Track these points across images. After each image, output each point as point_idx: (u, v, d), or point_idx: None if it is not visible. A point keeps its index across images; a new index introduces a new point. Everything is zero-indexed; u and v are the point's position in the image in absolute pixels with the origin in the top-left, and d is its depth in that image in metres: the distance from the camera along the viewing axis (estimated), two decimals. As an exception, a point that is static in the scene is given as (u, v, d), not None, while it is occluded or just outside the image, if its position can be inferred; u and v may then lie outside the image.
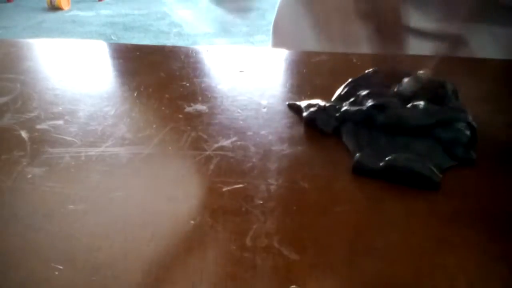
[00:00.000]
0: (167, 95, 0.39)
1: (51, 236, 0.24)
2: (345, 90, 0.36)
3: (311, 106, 0.35)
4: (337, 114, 0.34)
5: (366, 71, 0.38)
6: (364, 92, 0.35)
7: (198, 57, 0.48)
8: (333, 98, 0.37)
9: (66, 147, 0.32)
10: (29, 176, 0.29)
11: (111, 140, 0.33)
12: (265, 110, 0.37)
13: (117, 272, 0.22)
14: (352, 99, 0.35)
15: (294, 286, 0.21)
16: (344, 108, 0.34)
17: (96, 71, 0.45)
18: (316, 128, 0.34)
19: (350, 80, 0.37)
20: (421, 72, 0.35)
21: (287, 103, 0.37)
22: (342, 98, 0.36)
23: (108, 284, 0.21)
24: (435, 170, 0.28)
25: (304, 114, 0.35)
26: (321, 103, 0.35)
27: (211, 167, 0.30)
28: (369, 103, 0.33)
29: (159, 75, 0.43)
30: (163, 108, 0.37)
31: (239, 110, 0.37)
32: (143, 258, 0.23)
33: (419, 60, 0.35)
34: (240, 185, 0.28)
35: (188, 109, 0.37)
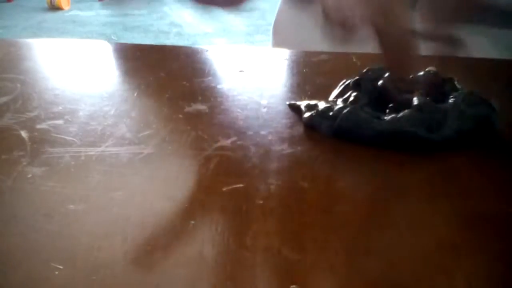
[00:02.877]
0: (167, 95, 0.39)
1: (51, 236, 0.24)
2: (342, 90, 0.37)
3: (310, 107, 0.35)
4: (331, 113, 0.33)
5: (364, 70, 0.38)
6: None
7: (198, 57, 0.48)
8: (330, 98, 0.37)
9: (66, 147, 0.32)
10: (29, 176, 0.29)
11: (111, 140, 0.33)
12: (265, 110, 0.37)
13: (117, 272, 0.22)
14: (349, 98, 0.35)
15: (294, 286, 0.21)
16: (339, 106, 0.33)
17: (96, 71, 0.45)
18: (316, 130, 0.34)
19: (345, 79, 0.37)
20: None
21: (287, 103, 0.37)
22: (339, 98, 0.36)
23: (108, 284, 0.21)
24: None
25: (303, 117, 0.34)
26: (321, 104, 0.35)
27: (211, 166, 0.30)
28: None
29: (159, 75, 0.43)
30: (163, 108, 0.37)
31: (239, 110, 0.37)
32: (143, 258, 0.23)
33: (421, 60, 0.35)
34: (240, 185, 0.28)
35: (188, 109, 0.37)
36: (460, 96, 0.33)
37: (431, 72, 0.36)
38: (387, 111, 0.33)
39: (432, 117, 0.32)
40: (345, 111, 0.32)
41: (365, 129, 0.31)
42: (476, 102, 0.32)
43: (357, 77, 0.37)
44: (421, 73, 0.36)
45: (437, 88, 0.35)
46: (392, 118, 0.31)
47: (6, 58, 0.47)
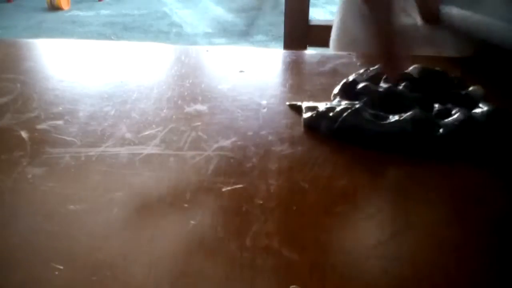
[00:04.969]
0: (167, 95, 0.39)
1: (51, 236, 0.24)
2: (341, 90, 0.37)
3: (311, 108, 0.35)
4: (331, 114, 0.33)
5: (362, 70, 0.38)
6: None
7: (198, 57, 0.48)
8: (332, 99, 0.37)
9: (66, 147, 0.32)
10: (29, 176, 0.29)
11: (111, 140, 0.33)
12: (265, 110, 0.37)
13: (117, 272, 0.22)
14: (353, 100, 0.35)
15: (294, 286, 0.21)
16: (340, 108, 0.33)
17: (96, 71, 0.45)
18: (316, 130, 0.34)
19: (345, 80, 0.37)
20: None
21: (287, 103, 0.37)
22: (338, 98, 0.36)
23: (108, 284, 0.21)
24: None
25: (304, 117, 0.34)
26: (321, 104, 0.35)
27: (211, 167, 0.30)
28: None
29: (159, 75, 0.43)
30: (163, 108, 0.37)
31: (239, 110, 0.37)
32: (143, 258, 0.23)
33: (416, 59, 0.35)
34: (240, 185, 0.28)
35: (188, 109, 0.37)
36: (483, 111, 0.32)
37: (439, 70, 0.36)
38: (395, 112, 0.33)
39: (432, 120, 0.32)
40: (345, 112, 0.32)
41: (365, 130, 0.32)
42: (496, 117, 0.32)
43: (360, 80, 0.37)
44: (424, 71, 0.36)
45: (446, 88, 0.35)
46: (392, 121, 0.31)
47: (6, 58, 0.47)
